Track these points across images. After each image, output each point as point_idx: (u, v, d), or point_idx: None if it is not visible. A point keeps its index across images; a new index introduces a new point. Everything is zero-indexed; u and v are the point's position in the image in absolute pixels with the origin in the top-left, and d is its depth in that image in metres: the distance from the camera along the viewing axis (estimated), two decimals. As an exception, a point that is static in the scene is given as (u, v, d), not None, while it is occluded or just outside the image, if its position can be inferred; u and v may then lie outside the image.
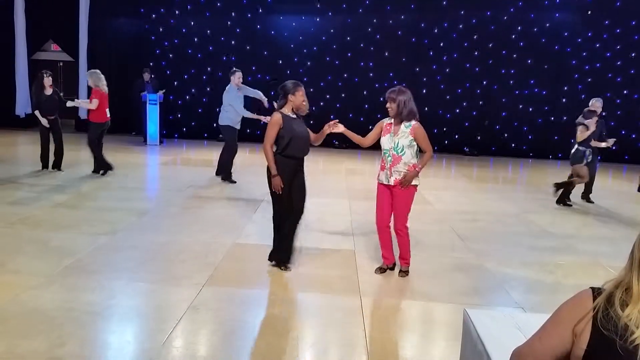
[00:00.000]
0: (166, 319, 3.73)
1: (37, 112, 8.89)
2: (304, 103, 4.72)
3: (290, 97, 4.67)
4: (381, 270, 4.93)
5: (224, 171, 9.06)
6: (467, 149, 14.79)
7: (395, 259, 4.97)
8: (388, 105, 4.64)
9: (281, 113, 4.66)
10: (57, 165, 9.22)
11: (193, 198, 7.67)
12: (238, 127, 8.96)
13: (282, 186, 4.61)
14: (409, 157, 4.61)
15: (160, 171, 10.64)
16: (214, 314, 3.90)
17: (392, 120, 4.69)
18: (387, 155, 4.68)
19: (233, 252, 5.30)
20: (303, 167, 4.87)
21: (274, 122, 4.61)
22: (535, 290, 4.77)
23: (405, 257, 4.89)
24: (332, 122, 4.78)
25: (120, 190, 8.02)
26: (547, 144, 14.62)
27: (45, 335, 3.38)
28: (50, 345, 3.27)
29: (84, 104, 9.11)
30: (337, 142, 14.62)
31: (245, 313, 3.96)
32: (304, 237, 5.97)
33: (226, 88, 8.89)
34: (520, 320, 2.33)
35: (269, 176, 4.68)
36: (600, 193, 8.55)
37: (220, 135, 14.68)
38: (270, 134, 4.62)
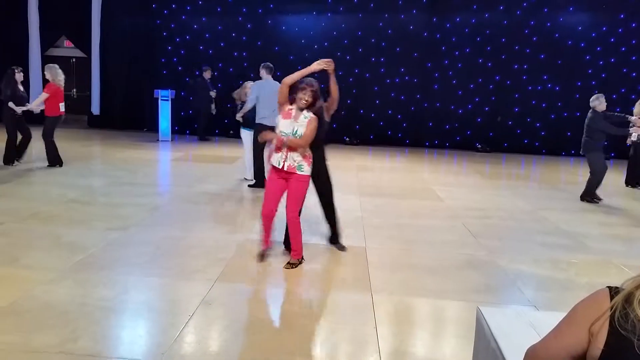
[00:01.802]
0: (178, 314, 3.74)
1: (11, 104, 8.87)
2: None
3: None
4: (261, 257, 4.96)
5: (257, 177, 8.27)
6: (479, 145, 14.70)
7: (271, 243, 5.06)
8: (304, 94, 4.57)
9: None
10: (20, 156, 9.27)
11: (204, 194, 7.69)
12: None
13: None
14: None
15: (171, 167, 10.69)
16: (226, 309, 3.91)
17: (294, 107, 4.65)
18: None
19: (244, 248, 5.31)
20: None
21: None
22: (548, 287, 4.72)
23: (295, 249, 4.86)
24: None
25: (131, 186, 8.06)
26: (560, 141, 14.48)
27: (58, 329, 3.41)
28: (63, 339, 3.29)
29: (38, 102, 8.97)
30: (347, 139, 14.60)
31: (257, 309, 3.97)
32: (315, 234, 5.97)
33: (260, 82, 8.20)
34: (534, 318, 2.31)
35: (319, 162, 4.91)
36: (613, 191, 8.45)
37: (232, 132, 14.82)
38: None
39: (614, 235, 6.61)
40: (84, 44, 15.63)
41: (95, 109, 15.76)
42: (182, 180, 8.77)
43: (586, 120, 8.26)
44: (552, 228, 6.76)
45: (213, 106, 13.97)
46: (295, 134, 4.59)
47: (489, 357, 2.12)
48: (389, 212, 7.14)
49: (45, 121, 9.11)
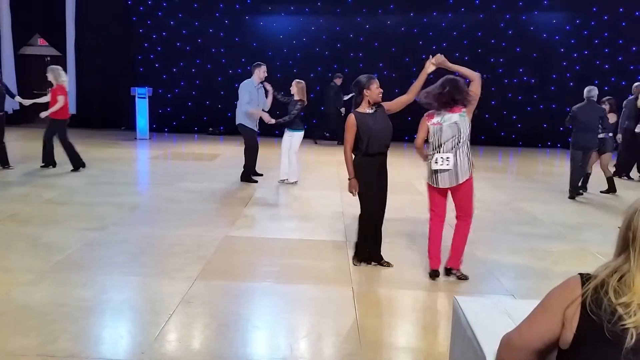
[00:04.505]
0: (159, 313, 3.73)
1: None
2: (379, 95, 4.68)
3: (365, 92, 4.60)
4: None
5: (245, 173, 8.46)
6: (457, 139, 14.81)
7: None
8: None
9: (355, 112, 4.61)
10: (5, 163, 8.88)
11: (183, 192, 7.64)
12: (255, 127, 8.30)
13: (357, 189, 4.67)
14: None
15: (150, 166, 10.59)
16: (206, 307, 3.90)
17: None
18: None
19: (225, 245, 5.29)
20: (386, 161, 4.82)
21: (350, 125, 4.57)
22: (526, 277, 4.81)
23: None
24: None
25: (109, 185, 7.97)
26: (536, 133, 14.70)
27: (37, 331, 3.37)
28: (42, 341, 3.26)
29: (55, 110, 8.61)
30: (328, 134, 14.61)
31: (238, 305, 3.97)
32: (296, 229, 5.98)
33: (244, 81, 8.28)
34: (509, 306, 2.35)
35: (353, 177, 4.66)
36: (590, 181, 8.62)
37: (211, 129, 14.73)
38: (349, 138, 4.58)
39: (590, 224, 6.74)
40: (58, 42, 15.33)
41: (72, 107, 15.44)
42: (162, 179, 8.70)
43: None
44: (530, 218, 6.88)
45: (343, 110, 13.62)
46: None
47: (466, 346, 2.15)
48: (369, 206, 7.16)
49: (53, 125, 8.74)
